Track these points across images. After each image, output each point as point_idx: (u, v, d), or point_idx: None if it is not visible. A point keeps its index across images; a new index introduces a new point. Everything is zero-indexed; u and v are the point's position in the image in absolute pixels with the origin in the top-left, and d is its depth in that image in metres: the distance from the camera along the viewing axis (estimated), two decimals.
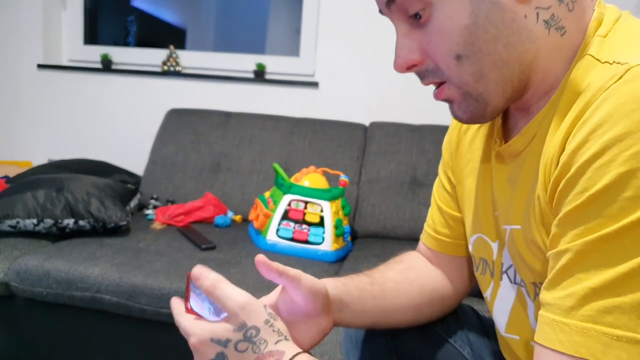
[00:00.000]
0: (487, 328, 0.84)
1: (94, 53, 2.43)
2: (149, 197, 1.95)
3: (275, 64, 2.31)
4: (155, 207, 1.89)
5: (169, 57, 2.32)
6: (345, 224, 1.66)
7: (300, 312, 0.60)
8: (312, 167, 1.72)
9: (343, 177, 1.68)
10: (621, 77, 0.43)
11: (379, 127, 2.02)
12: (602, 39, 0.49)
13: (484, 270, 0.69)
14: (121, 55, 2.42)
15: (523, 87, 0.53)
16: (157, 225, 1.73)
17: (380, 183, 1.91)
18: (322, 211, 1.59)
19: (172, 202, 1.92)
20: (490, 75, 0.52)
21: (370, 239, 1.83)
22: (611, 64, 0.46)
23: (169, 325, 1.32)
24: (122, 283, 1.32)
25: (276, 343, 0.52)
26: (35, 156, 2.42)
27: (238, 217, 1.90)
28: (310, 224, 1.58)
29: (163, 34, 3.17)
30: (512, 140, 0.57)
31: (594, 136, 0.42)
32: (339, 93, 2.21)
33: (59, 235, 1.54)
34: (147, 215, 1.85)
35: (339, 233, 1.60)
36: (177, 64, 2.32)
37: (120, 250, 1.46)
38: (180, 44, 2.81)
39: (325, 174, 1.75)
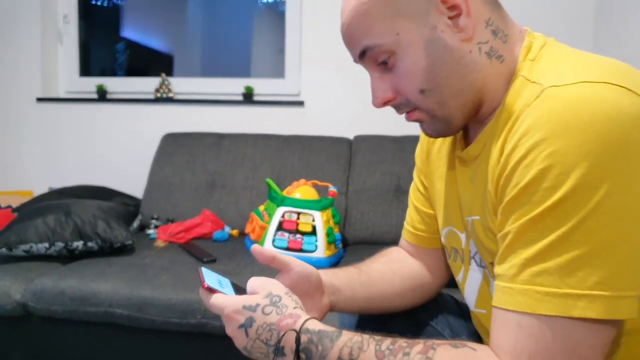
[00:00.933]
0: (464, 312, 0.95)
1: (89, 84, 2.55)
2: (149, 217, 2.06)
3: (262, 86, 2.44)
4: (156, 226, 1.99)
5: (162, 84, 2.45)
6: (336, 232, 1.78)
7: (297, 291, 0.73)
8: (302, 180, 1.84)
9: (332, 188, 1.81)
10: (538, 96, 0.55)
11: (363, 140, 2.16)
12: (531, 62, 0.62)
13: (455, 257, 0.81)
14: (115, 84, 2.54)
15: (477, 107, 0.66)
16: (159, 243, 1.83)
17: (367, 192, 2.03)
18: (314, 221, 1.71)
19: (172, 221, 2.02)
20: (450, 102, 0.65)
21: (360, 245, 1.95)
22: (536, 83, 0.58)
23: (176, 334, 1.43)
24: (132, 297, 1.42)
25: (294, 308, 0.65)
26: (36, 185, 2.52)
27: (235, 232, 2.01)
28: (303, 234, 1.69)
29: (151, 62, 3.29)
30: (469, 147, 0.70)
31: (520, 143, 0.54)
32: (324, 110, 2.35)
33: (69, 257, 1.65)
34: (149, 234, 1.95)
35: (330, 240, 1.71)
36: (170, 90, 2.45)
37: (128, 267, 1.56)
38: (168, 70, 2.93)
39: (315, 186, 1.87)
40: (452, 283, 0.90)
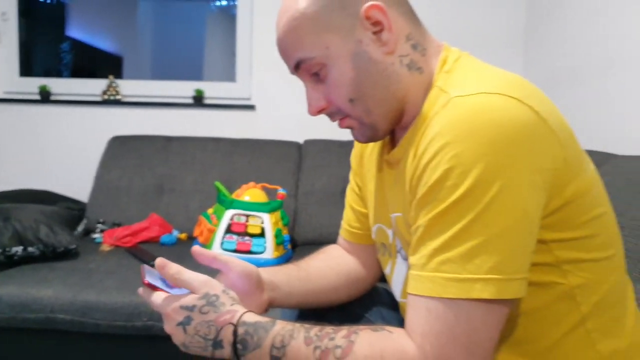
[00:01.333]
0: (396, 303, 1.01)
1: (31, 84, 2.47)
2: (95, 221, 2.02)
3: (213, 89, 2.44)
4: (102, 230, 1.96)
5: (109, 86, 2.41)
6: (285, 233, 1.81)
7: (238, 290, 0.75)
8: (251, 183, 1.86)
9: (281, 191, 1.84)
10: (445, 105, 0.61)
11: (312, 144, 2.20)
12: (446, 74, 0.69)
13: (383, 252, 0.87)
14: (60, 85, 2.47)
15: (400, 114, 0.73)
16: (105, 247, 1.80)
17: (315, 194, 2.07)
18: (262, 223, 1.73)
19: (119, 225, 1.99)
20: (376, 111, 0.71)
21: (308, 246, 1.98)
22: (446, 93, 0.64)
23: (122, 337, 1.42)
24: (75, 301, 1.40)
25: (231, 305, 0.68)
26: None
27: (183, 235, 2.00)
28: (252, 235, 1.71)
29: (99, 63, 3.22)
30: (394, 150, 0.76)
31: (429, 146, 0.60)
32: (274, 114, 2.37)
33: (6, 263, 1.59)
34: (94, 239, 1.92)
35: (279, 242, 1.74)
36: (117, 92, 2.41)
37: (72, 272, 1.53)
38: (117, 72, 2.88)
39: (264, 188, 1.89)
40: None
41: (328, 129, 2.27)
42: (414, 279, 0.61)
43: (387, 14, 0.67)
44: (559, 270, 0.64)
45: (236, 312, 0.67)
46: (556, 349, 0.66)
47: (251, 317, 0.67)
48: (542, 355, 0.66)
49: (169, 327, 0.69)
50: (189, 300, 0.68)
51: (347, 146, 2.14)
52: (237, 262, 0.79)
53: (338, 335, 0.62)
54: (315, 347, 0.62)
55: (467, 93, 0.60)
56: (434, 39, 0.75)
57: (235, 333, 0.65)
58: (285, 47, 0.71)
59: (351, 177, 0.97)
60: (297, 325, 0.65)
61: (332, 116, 0.74)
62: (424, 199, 0.61)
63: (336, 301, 0.94)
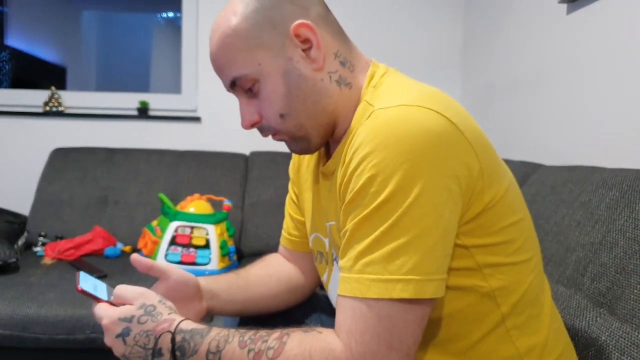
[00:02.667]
0: (334, 309, 1.07)
1: None
2: (36, 235, 1.99)
3: (158, 101, 2.45)
4: (44, 243, 1.93)
5: (51, 97, 2.37)
6: (230, 244, 1.85)
7: (175, 297, 0.79)
8: (196, 195, 1.89)
9: (226, 202, 1.88)
10: (369, 116, 0.66)
11: (258, 155, 2.26)
12: (373, 88, 0.74)
13: (320, 260, 0.91)
14: None
15: (332, 127, 0.77)
16: (47, 261, 1.79)
17: (262, 205, 2.12)
18: (207, 234, 1.77)
19: (61, 238, 1.97)
20: (307, 124, 0.74)
21: (255, 257, 2.01)
22: (371, 106, 0.70)
23: (64, 351, 1.42)
24: (14, 315, 1.39)
25: (169, 314, 0.71)
26: None
27: (128, 248, 2.00)
28: (197, 247, 1.74)
29: (41, 73, 3.14)
30: (328, 162, 0.80)
31: (354, 155, 0.65)
32: (220, 126, 2.41)
33: None
34: (36, 252, 1.89)
35: (224, 253, 1.78)
36: (60, 104, 2.38)
37: (11, 286, 1.52)
38: (61, 83, 2.83)
39: (209, 200, 1.92)
40: None
41: (273, 142, 2.33)
42: (342, 280, 0.65)
43: (315, 32, 0.71)
44: (480, 274, 0.68)
45: (173, 320, 0.70)
46: (478, 346, 0.70)
47: (188, 325, 0.70)
48: (466, 353, 0.70)
49: (109, 340, 0.71)
50: (127, 311, 0.70)
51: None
52: (175, 270, 0.82)
53: (271, 338, 0.65)
54: (249, 350, 0.65)
55: (388, 105, 0.64)
56: (362, 55, 0.79)
57: (173, 340, 0.68)
58: (219, 64, 0.74)
59: (290, 187, 1.01)
60: (232, 330, 0.68)
61: (263, 131, 0.77)
62: (350, 204, 0.64)
63: (276, 308, 0.97)
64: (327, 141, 0.82)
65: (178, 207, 1.82)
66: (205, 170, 2.18)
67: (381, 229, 0.61)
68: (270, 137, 0.79)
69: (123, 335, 0.69)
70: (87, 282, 0.74)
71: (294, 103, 0.73)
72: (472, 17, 2.34)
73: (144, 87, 2.81)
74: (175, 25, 2.81)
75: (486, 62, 2.18)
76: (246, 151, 2.32)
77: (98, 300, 0.73)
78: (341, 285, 0.65)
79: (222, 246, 1.77)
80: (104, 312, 0.71)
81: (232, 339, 0.67)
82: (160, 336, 0.68)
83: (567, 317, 0.92)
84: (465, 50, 2.41)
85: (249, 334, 0.68)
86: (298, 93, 0.72)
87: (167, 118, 2.40)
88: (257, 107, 0.75)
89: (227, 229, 1.86)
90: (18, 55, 3.00)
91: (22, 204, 2.23)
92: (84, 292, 0.71)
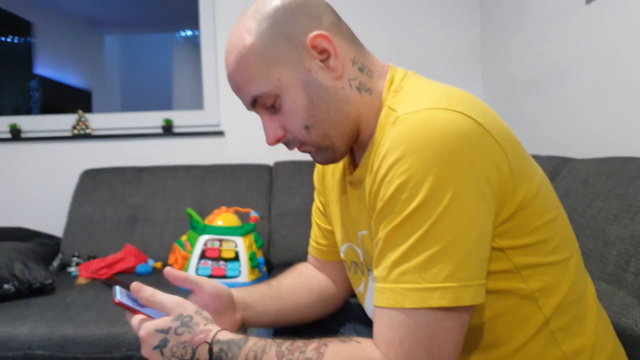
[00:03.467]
0: (370, 318, 1.05)
1: (1, 124, 2.48)
2: (70, 255, 2.03)
3: (182, 118, 2.48)
4: (77, 264, 1.97)
5: (79, 121, 2.43)
6: (259, 256, 1.85)
7: (210, 309, 0.78)
8: (223, 208, 1.90)
9: (253, 214, 1.88)
10: (394, 122, 0.65)
11: (282, 166, 2.26)
12: (394, 93, 0.73)
13: (355, 270, 0.89)
14: (30, 123, 2.49)
15: (356, 134, 0.76)
16: (81, 281, 1.82)
17: (288, 215, 2.12)
18: (236, 247, 1.77)
19: (94, 258, 2.01)
20: (332, 133, 0.74)
21: (284, 268, 2.01)
22: (395, 111, 0.68)
23: None
24: (53, 336, 1.41)
25: (205, 325, 0.71)
26: None
27: (159, 264, 2.02)
28: (227, 260, 1.75)
29: (68, 99, 3.23)
30: (356, 171, 0.79)
31: (383, 162, 0.64)
32: (243, 139, 2.43)
33: None
34: (70, 272, 1.93)
35: (253, 265, 1.78)
36: (87, 126, 2.44)
37: (49, 307, 1.54)
38: (87, 107, 2.90)
39: (236, 212, 1.93)
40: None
41: (296, 151, 2.33)
42: (378, 291, 0.64)
43: (332, 41, 0.71)
44: (518, 276, 0.66)
45: (210, 331, 0.70)
46: (523, 351, 0.68)
47: (225, 335, 0.69)
48: (510, 358, 0.68)
49: (146, 352, 0.71)
50: (163, 322, 0.70)
51: (316, 166, 2.21)
52: (209, 281, 0.82)
53: (308, 348, 0.64)
54: None
55: (413, 110, 0.63)
56: (378, 60, 0.79)
57: (210, 351, 0.67)
58: (237, 84, 0.74)
59: (315, 196, 1.01)
60: (269, 340, 0.68)
61: (289, 144, 0.77)
62: (382, 213, 0.63)
63: (309, 318, 0.96)
64: (351, 148, 0.81)
65: (206, 221, 1.83)
66: (231, 183, 2.19)
67: (415, 236, 0.60)
68: (289, 149, 0.79)
69: (160, 347, 0.69)
70: (123, 295, 0.74)
71: (317, 113, 0.72)
72: (488, 14, 2.31)
73: (167, 105, 2.86)
74: (194, 43, 2.85)
75: (506, 58, 2.14)
76: (270, 162, 2.33)
77: (135, 311, 0.73)
78: (377, 295, 0.64)
79: (252, 258, 1.78)
80: (141, 324, 0.72)
81: (270, 349, 0.67)
82: (197, 347, 0.68)
83: (611, 315, 0.88)
84: (484, 48, 2.38)
85: (286, 344, 0.67)
86: (320, 103, 0.72)
87: (191, 134, 2.43)
88: (280, 122, 0.75)
89: (256, 241, 1.86)
90: (46, 83, 3.10)
91: (55, 225, 2.29)
92: (121, 304, 0.72)
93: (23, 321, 1.45)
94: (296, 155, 2.29)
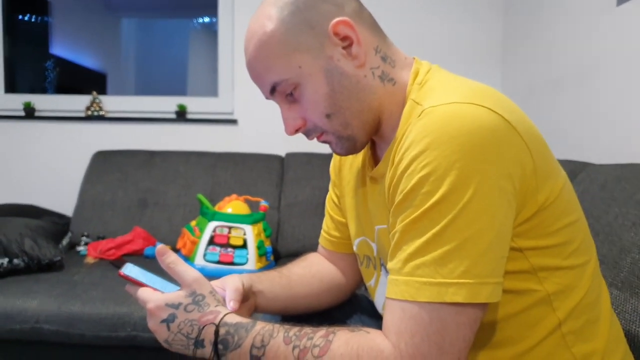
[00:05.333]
0: (377, 311, 1.05)
1: (16, 101, 2.49)
2: (79, 235, 2.04)
3: (196, 104, 2.48)
4: (86, 243, 1.98)
5: (92, 102, 2.44)
6: (267, 245, 1.85)
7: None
8: (234, 196, 1.91)
9: (263, 203, 1.88)
10: (419, 115, 0.64)
11: (294, 157, 2.26)
12: (418, 86, 0.72)
13: (367, 264, 0.89)
14: (44, 102, 2.50)
15: (377, 125, 0.75)
16: (89, 260, 1.83)
17: (298, 206, 2.12)
18: (245, 234, 1.77)
19: (103, 238, 2.02)
20: (353, 123, 0.73)
21: (291, 258, 2.01)
22: (420, 105, 0.67)
23: (106, 348, 1.45)
24: (60, 312, 1.42)
25: (216, 306, 0.71)
26: None
27: (167, 247, 2.03)
28: (234, 247, 1.75)
29: (83, 80, 3.24)
30: (378, 166, 0.78)
31: (405, 155, 0.63)
32: (256, 128, 2.43)
33: None
34: (79, 251, 1.94)
35: (261, 253, 1.78)
36: (101, 108, 2.44)
37: (57, 283, 1.56)
38: (101, 89, 2.91)
39: (246, 201, 1.93)
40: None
41: (310, 142, 2.33)
42: (391, 283, 0.63)
43: (354, 28, 0.69)
44: (535, 278, 0.66)
45: (219, 312, 0.70)
46: (533, 352, 0.67)
47: (233, 318, 0.69)
48: (519, 358, 0.68)
49: (153, 324, 0.71)
50: (175, 297, 0.70)
51: (328, 158, 2.18)
52: (229, 283, 0.81)
53: (316, 335, 0.64)
54: (294, 346, 0.64)
55: (439, 103, 0.62)
56: (400, 51, 0.77)
57: (216, 333, 0.67)
58: (257, 72, 0.73)
59: (330, 187, 1.00)
60: (277, 325, 0.67)
61: (308, 134, 0.75)
62: (400, 206, 0.63)
63: (317, 307, 0.96)
64: (371, 140, 0.80)
65: (216, 208, 1.84)
66: (242, 172, 2.20)
67: (433, 231, 0.59)
68: (308, 139, 0.77)
69: (168, 321, 0.69)
70: (133, 270, 0.74)
71: (338, 102, 0.71)
72: (513, 11, 2.29)
73: (181, 91, 2.86)
74: (211, 30, 2.85)
75: (528, 58, 2.12)
76: (282, 152, 2.33)
77: (141, 284, 0.73)
78: (390, 287, 0.63)
79: (260, 246, 1.78)
80: (150, 296, 0.72)
81: (277, 334, 0.66)
82: (204, 327, 0.69)
83: (622, 322, 0.88)
84: (506, 46, 2.36)
85: (293, 330, 0.67)
86: (342, 91, 0.71)
87: (204, 121, 2.43)
88: (300, 112, 0.74)
89: (264, 230, 1.87)
90: (62, 63, 3.11)
91: (66, 205, 2.30)
92: (125, 277, 0.73)
93: (32, 295, 1.47)
94: (308, 146, 2.30)
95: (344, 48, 0.70)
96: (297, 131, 0.75)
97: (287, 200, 2.15)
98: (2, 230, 1.63)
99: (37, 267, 1.64)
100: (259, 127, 2.42)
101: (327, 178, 2.20)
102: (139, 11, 3.45)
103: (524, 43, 2.17)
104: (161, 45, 3.44)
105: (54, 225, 1.90)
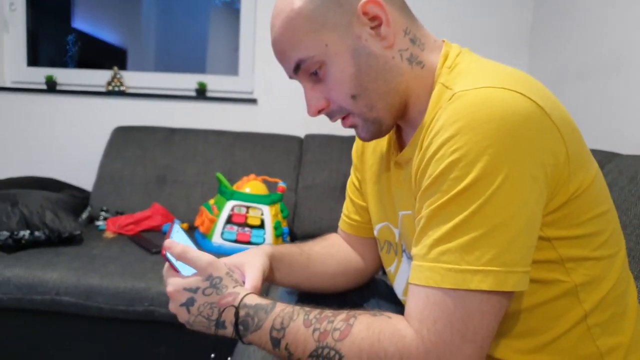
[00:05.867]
0: (394, 296, 1.04)
1: (38, 74, 2.51)
2: (99, 209, 2.06)
3: (216, 83, 2.48)
4: (105, 218, 2.00)
5: (114, 77, 2.44)
6: (284, 226, 1.85)
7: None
8: (252, 175, 1.90)
9: (281, 184, 1.88)
10: (449, 99, 0.62)
11: (313, 138, 2.24)
12: (448, 69, 0.69)
13: (388, 250, 0.88)
14: (65, 76, 2.51)
15: (403, 108, 0.73)
16: (108, 234, 1.85)
17: (315, 189, 2.11)
18: (262, 215, 1.77)
19: (122, 213, 2.04)
20: (379, 104, 0.71)
21: (308, 239, 2.02)
22: (450, 89, 0.65)
23: (124, 321, 1.47)
24: (79, 285, 1.44)
25: (234, 287, 0.71)
26: None
27: (185, 225, 2.04)
28: (252, 227, 1.75)
29: (104, 55, 3.25)
30: (404, 151, 0.77)
31: (434, 140, 0.61)
32: (276, 109, 2.41)
33: (14, 247, 1.63)
34: (98, 226, 1.96)
35: (278, 234, 1.78)
36: (122, 84, 2.45)
37: (76, 257, 1.58)
38: (122, 64, 2.91)
39: (264, 181, 1.93)
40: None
41: (329, 124, 2.31)
42: (415, 269, 0.62)
43: (384, 8, 0.68)
44: (562, 268, 0.65)
45: (238, 294, 0.70)
46: (557, 343, 0.66)
47: (252, 300, 0.69)
48: (543, 349, 0.67)
49: (173, 307, 0.72)
50: (192, 282, 0.71)
51: (348, 141, 2.19)
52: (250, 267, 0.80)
53: (337, 319, 0.64)
54: (315, 329, 0.64)
55: (471, 87, 0.60)
56: (430, 34, 0.75)
57: (236, 315, 0.68)
58: (282, 48, 0.71)
59: (352, 171, 0.99)
60: (297, 308, 0.67)
61: (332, 115, 0.74)
62: (428, 190, 0.61)
63: (332, 288, 0.96)
64: (398, 127, 0.79)
65: (234, 187, 1.84)
66: (261, 152, 2.19)
67: (460, 217, 0.58)
68: (331, 121, 0.76)
69: (187, 304, 0.70)
70: (178, 234, 0.76)
71: (364, 82, 0.70)
72: None
73: (201, 69, 2.85)
74: (232, 8, 2.81)
75: (556, 45, 2.06)
76: (301, 134, 2.31)
77: (170, 265, 0.74)
78: (413, 273, 0.62)
79: (276, 227, 1.78)
80: (171, 280, 0.73)
81: (297, 316, 0.66)
82: (224, 310, 0.69)
83: None
84: (534, 32, 2.30)
85: (314, 313, 0.66)
86: (369, 72, 0.69)
87: (224, 99, 2.42)
88: (324, 92, 0.72)
89: (281, 211, 1.86)
90: (83, 38, 3.11)
91: (85, 179, 2.32)
92: (165, 258, 0.73)
93: (52, 268, 1.49)
94: (328, 128, 2.28)
95: (372, 28, 0.69)
96: (320, 112, 0.74)
97: (304, 182, 2.14)
98: (24, 203, 1.65)
99: (57, 240, 1.66)
100: (279, 107, 2.41)
101: (346, 161, 2.20)
102: None
103: (553, 30, 2.11)
104: (182, 21, 3.42)
105: (74, 199, 1.92)
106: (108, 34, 3.30)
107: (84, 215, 1.94)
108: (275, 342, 0.66)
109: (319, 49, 0.68)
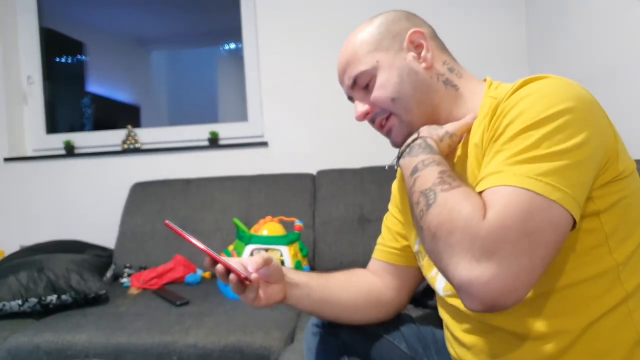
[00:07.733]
0: (420, 328, 1.03)
1: (57, 140, 2.61)
2: (122, 266, 2.10)
3: (227, 130, 2.54)
4: (129, 274, 2.03)
5: (128, 135, 2.52)
6: (305, 265, 1.85)
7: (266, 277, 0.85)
8: (268, 217, 1.92)
9: (297, 223, 1.89)
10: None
11: (325, 174, 2.26)
12: (494, 89, 0.83)
13: (424, 256, 0.91)
14: (82, 139, 2.60)
15: (436, 118, 0.86)
16: (133, 291, 1.87)
17: (332, 224, 2.12)
18: (282, 256, 1.78)
19: (145, 268, 2.07)
20: (415, 110, 0.86)
21: None
22: (499, 95, 0.75)
23: None
24: (108, 344, 1.46)
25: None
26: (7, 245, 2.53)
27: (207, 274, 2.06)
28: None
29: (118, 114, 3.36)
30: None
31: (508, 110, 0.69)
32: (287, 149, 2.45)
33: (42, 312, 1.67)
34: (123, 283, 1.99)
35: None
36: (136, 141, 2.52)
37: (103, 316, 1.60)
38: (136, 121, 3.00)
39: (281, 222, 1.94)
40: None
41: (339, 159, 2.34)
42: (484, 181, 0.66)
43: (426, 37, 0.86)
44: (606, 247, 0.68)
45: (427, 137, 0.81)
46: (597, 325, 0.68)
47: (426, 142, 0.80)
48: (584, 330, 0.68)
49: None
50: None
51: (359, 173, 2.20)
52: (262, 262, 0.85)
53: (455, 181, 0.70)
54: (440, 173, 0.71)
55: (530, 81, 0.71)
56: (470, 73, 0.90)
57: (413, 140, 0.81)
58: (344, 69, 0.89)
59: (390, 206, 1.05)
60: (437, 157, 0.76)
61: (376, 117, 0.88)
62: (505, 130, 0.68)
63: (352, 317, 0.96)
64: None
65: (252, 231, 1.85)
66: (276, 193, 2.21)
67: (543, 146, 0.63)
68: (374, 126, 0.91)
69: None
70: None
71: (404, 89, 0.85)
72: (534, 14, 2.24)
73: (212, 118, 2.92)
74: (237, 56, 2.90)
75: (554, 58, 2.07)
76: (313, 171, 2.33)
77: (184, 236, 0.79)
78: (491, 180, 0.66)
79: (297, 266, 1.78)
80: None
81: (437, 166, 0.74)
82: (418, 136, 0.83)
83: None
84: (531, 49, 2.31)
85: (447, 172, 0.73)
86: (409, 82, 0.85)
87: (236, 145, 2.47)
88: (370, 99, 0.87)
89: (301, 249, 1.87)
90: (97, 100, 3.22)
91: (107, 237, 2.37)
92: (223, 263, 0.79)
93: (80, 330, 1.51)
94: (339, 163, 2.30)
95: (416, 53, 0.86)
96: (365, 116, 0.89)
97: (321, 218, 2.15)
98: (50, 267, 1.69)
99: (84, 301, 1.69)
100: (289, 147, 2.45)
101: (360, 193, 2.20)
102: (167, 43, 3.56)
103: (549, 45, 2.12)
104: (191, 74, 3.52)
105: (98, 258, 1.96)
106: (121, 94, 3.42)
107: (109, 274, 1.97)
108: (414, 170, 0.75)
109: (371, 64, 0.86)
